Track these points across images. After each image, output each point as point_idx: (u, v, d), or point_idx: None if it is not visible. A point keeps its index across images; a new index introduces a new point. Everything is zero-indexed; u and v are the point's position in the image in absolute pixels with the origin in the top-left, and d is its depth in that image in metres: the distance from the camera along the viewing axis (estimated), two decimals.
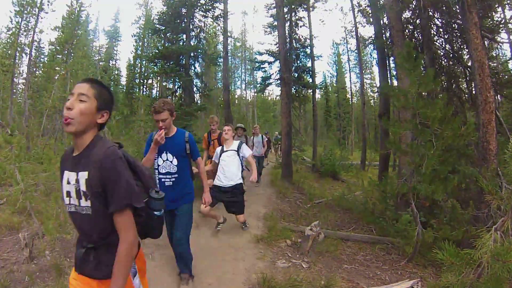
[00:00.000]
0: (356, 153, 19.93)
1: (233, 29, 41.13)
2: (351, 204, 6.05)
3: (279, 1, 9.19)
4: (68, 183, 1.14)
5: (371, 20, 9.75)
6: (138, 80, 25.29)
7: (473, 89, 4.80)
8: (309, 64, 13.23)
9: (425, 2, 5.51)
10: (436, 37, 6.35)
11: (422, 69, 4.28)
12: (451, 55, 6.09)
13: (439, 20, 6.21)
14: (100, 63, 23.27)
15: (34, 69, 18.93)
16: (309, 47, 13.04)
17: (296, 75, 12.51)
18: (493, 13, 5.65)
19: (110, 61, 26.55)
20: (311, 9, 13.16)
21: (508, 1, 5.66)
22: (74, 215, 1.15)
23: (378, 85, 19.15)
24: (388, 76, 9.71)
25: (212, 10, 10.48)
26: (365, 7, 11.61)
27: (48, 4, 15.23)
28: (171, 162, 2.50)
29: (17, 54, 16.40)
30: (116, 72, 26.61)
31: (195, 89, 10.12)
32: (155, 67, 10.88)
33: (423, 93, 3.76)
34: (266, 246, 3.74)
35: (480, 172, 3.65)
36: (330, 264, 3.46)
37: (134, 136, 7.36)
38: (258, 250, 3.62)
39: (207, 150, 5.03)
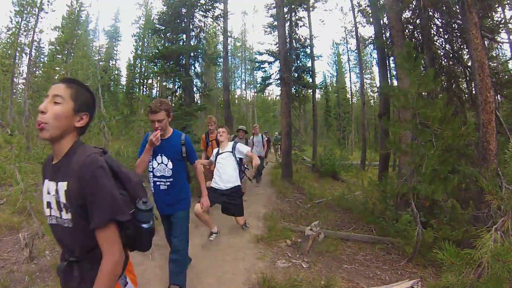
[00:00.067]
0: (356, 153, 19.93)
1: (233, 29, 41.21)
2: (351, 204, 6.05)
3: (279, 1, 9.19)
4: (48, 193, 1.04)
5: (371, 20, 9.75)
6: (138, 80, 25.30)
7: (473, 89, 4.80)
8: (309, 64, 13.24)
9: (425, 2, 5.51)
10: (436, 37, 6.36)
11: (422, 69, 4.28)
12: (451, 55, 6.10)
13: (439, 20, 6.21)
14: (100, 63, 23.21)
15: (34, 69, 18.92)
16: (309, 47, 13.05)
17: (296, 75, 12.52)
18: (493, 13, 5.65)
19: (110, 61, 26.53)
20: (311, 9, 13.17)
21: (508, 1, 5.66)
22: (55, 228, 1.05)
23: (378, 85, 19.18)
24: (388, 76, 9.72)
25: (212, 10, 10.50)
26: (365, 7, 11.62)
27: (48, 4, 15.24)
28: (166, 165, 2.38)
29: (17, 54, 16.40)
30: (116, 72, 26.60)
31: (195, 89, 10.13)
32: (155, 67, 10.89)
33: (423, 93, 3.76)
34: (266, 246, 3.74)
35: (480, 172, 3.65)
36: (330, 264, 3.46)
37: (134, 136, 7.37)
38: (258, 250, 3.62)
39: (205, 151, 4.94)
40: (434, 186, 3.40)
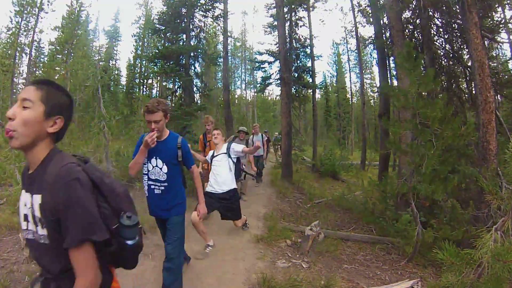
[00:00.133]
0: (356, 153, 19.94)
1: (233, 29, 41.17)
2: (351, 204, 6.05)
3: (279, 1, 9.20)
4: (25, 205, 0.95)
5: (371, 20, 9.75)
6: (138, 80, 25.30)
7: (473, 89, 4.80)
8: (309, 64, 13.25)
9: (425, 2, 5.52)
10: (436, 37, 6.36)
11: (422, 69, 4.28)
12: (451, 55, 6.10)
13: (439, 20, 6.21)
14: (100, 63, 23.23)
15: (34, 69, 18.93)
16: (309, 47, 13.05)
17: (296, 75, 12.52)
18: (493, 13, 5.65)
19: (110, 61, 26.52)
20: (311, 9, 13.17)
21: (508, 1, 5.66)
22: (31, 243, 0.95)
23: (378, 85, 19.18)
24: (388, 76, 9.71)
25: (212, 10, 10.50)
26: (365, 7, 11.62)
27: (48, 4, 15.28)
28: (161, 169, 2.25)
29: (17, 54, 16.42)
30: (116, 72, 26.59)
31: (195, 89, 10.14)
32: (155, 67, 10.90)
33: (423, 93, 3.77)
34: (266, 246, 3.74)
35: (480, 172, 3.66)
36: (330, 264, 3.46)
37: (134, 136, 7.37)
38: (258, 250, 3.62)
39: (203, 152, 4.84)
40: (434, 186, 3.41)
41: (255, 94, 30.47)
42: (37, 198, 0.90)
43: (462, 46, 5.89)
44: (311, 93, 13.39)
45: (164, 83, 14.55)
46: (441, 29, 6.27)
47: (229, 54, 18.71)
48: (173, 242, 2.26)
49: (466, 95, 5.83)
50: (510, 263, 1.81)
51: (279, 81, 10.75)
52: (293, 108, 11.90)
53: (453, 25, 5.89)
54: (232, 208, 3.55)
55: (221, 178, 3.46)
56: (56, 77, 13.16)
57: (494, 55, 6.74)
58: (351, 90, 26.63)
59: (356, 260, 3.69)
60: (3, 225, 3.66)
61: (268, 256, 3.46)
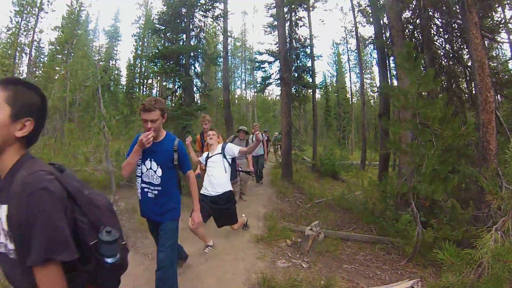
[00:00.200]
0: (356, 153, 19.94)
1: (233, 29, 41.18)
2: (351, 204, 6.05)
3: (279, 1, 9.20)
4: None
5: (371, 20, 9.75)
6: (138, 80, 25.33)
7: (473, 89, 4.80)
8: (309, 64, 13.25)
9: (425, 2, 5.52)
10: (436, 37, 6.36)
11: (422, 69, 4.28)
12: (451, 55, 6.10)
13: (439, 20, 6.21)
14: (100, 63, 23.25)
15: (34, 69, 18.93)
16: (309, 47, 13.05)
17: (296, 75, 12.52)
18: (493, 13, 5.65)
19: (110, 61, 26.54)
20: (311, 9, 13.18)
21: (508, 1, 5.66)
22: (2, 257, 0.85)
23: (378, 85, 19.19)
24: (388, 76, 9.72)
25: (212, 10, 10.50)
26: (365, 7, 11.63)
27: (48, 4, 15.27)
28: (155, 172, 2.13)
29: (17, 54, 16.41)
30: (116, 72, 26.62)
31: (195, 89, 10.13)
32: (155, 67, 10.89)
33: (423, 93, 3.77)
34: (266, 246, 3.74)
35: (480, 172, 3.66)
36: (330, 264, 3.46)
37: (134, 136, 7.35)
38: (258, 250, 3.62)
39: (201, 152, 4.73)
40: (434, 186, 3.41)
41: (255, 94, 30.46)
42: (4, 209, 0.81)
43: (462, 46, 5.89)
44: (311, 93, 13.39)
45: (164, 83, 14.56)
46: (441, 29, 6.28)
47: (229, 54, 18.71)
48: (165, 249, 2.13)
49: (466, 95, 5.83)
50: (510, 263, 1.80)
51: (279, 81, 10.75)
52: (293, 108, 11.90)
53: (453, 25, 5.89)
54: (229, 214, 3.40)
55: (216, 179, 3.32)
56: (56, 77, 13.14)
57: (494, 55, 6.74)
58: (351, 90, 26.67)
59: (356, 260, 3.69)
60: None
61: (268, 256, 3.46)
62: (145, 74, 23.98)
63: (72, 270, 0.85)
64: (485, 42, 4.97)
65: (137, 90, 25.08)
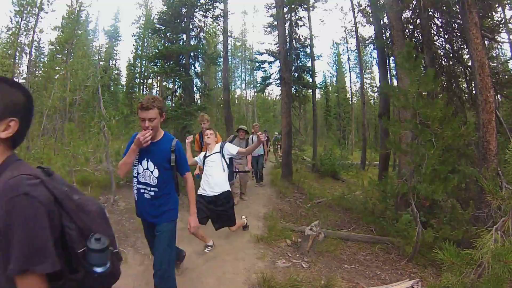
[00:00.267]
0: (356, 153, 19.93)
1: (233, 29, 41.12)
2: (351, 204, 6.05)
3: (279, 1, 9.20)
4: None
5: (371, 20, 9.75)
6: (138, 80, 25.33)
7: (473, 89, 4.80)
8: (309, 64, 13.23)
9: (425, 2, 5.52)
10: (436, 37, 6.36)
11: (422, 69, 4.29)
12: (451, 55, 6.10)
13: (439, 20, 6.21)
14: (100, 63, 23.26)
15: (34, 69, 18.94)
16: (309, 47, 13.04)
17: (296, 75, 12.51)
18: (493, 13, 5.65)
19: (110, 61, 26.55)
20: (311, 9, 13.17)
21: (508, 1, 5.66)
22: None
23: (378, 85, 19.19)
24: (388, 76, 9.71)
25: (212, 10, 10.51)
26: (365, 7, 11.63)
27: (48, 4, 15.26)
28: (152, 172, 2.06)
29: (17, 54, 16.40)
30: (116, 72, 26.63)
31: (195, 89, 10.14)
32: (155, 67, 10.89)
33: (423, 93, 3.77)
34: (266, 246, 3.74)
35: (480, 172, 3.66)
36: (330, 264, 3.46)
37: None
38: (258, 250, 3.62)
39: (200, 152, 4.80)
40: (434, 186, 3.41)
41: (255, 94, 30.47)
42: None
43: (462, 46, 5.89)
44: (311, 93, 13.39)
45: (164, 83, 14.57)
46: (441, 29, 6.28)
47: (229, 54, 18.73)
48: (162, 252, 2.06)
49: (466, 95, 5.83)
50: (510, 263, 1.80)
51: (279, 81, 10.74)
52: (293, 108, 11.89)
53: (453, 25, 5.89)
54: (226, 215, 3.33)
55: (214, 179, 3.25)
56: (56, 77, 13.15)
57: (494, 55, 6.75)
58: (351, 90, 26.67)
59: (356, 260, 3.69)
60: None
61: (268, 256, 3.46)
62: (145, 74, 24.01)
63: (60, 279, 0.81)
64: (485, 42, 4.97)
65: (137, 90, 25.08)
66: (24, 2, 14.97)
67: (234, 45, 30.79)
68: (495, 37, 5.58)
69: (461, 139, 3.51)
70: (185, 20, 9.61)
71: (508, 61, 6.85)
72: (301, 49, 12.98)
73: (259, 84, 15.16)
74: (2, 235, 0.73)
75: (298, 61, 12.98)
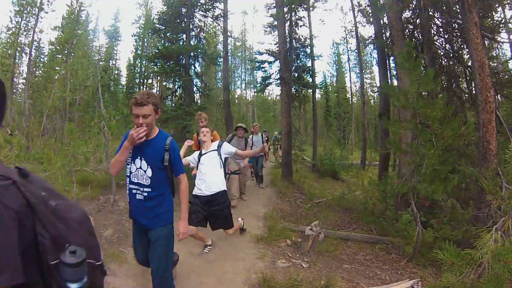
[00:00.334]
0: (356, 152, 19.93)
1: (233, 29, 41.06)
2: (351, 204, 6.05)
3: (279, 1, 9.19)
4: None
5: (371, 20, 9.75)
6: (138, 80, 25.31)
7: (473, 89, 4.80)
8: (309, 64, 13.24)
9: (425, 2, 5.52)
10: (436, 37, 6.36)
11: (422, 69, 4.29)
12: (451, 55, 6.10)
13: (439, 20, 6.21)
14: (100, 63, 23.25)
15: (34, 69, 18.95)
16: (309, 47, 13.05)
17: (296, 75, 12.51)
18: (493, 13, 5.65)
19: (110, 61, 26.55)
20: (311, 9, 13.17)
21: (508, 1, 5.66)
22: None
23: (378, 85, 19.19)
24: (388, 76, 9.71)
25: (212, 10, 10.51)
26: (365, 7, 11.62)
27: (48, 4, 15.27)
28: (145, 172, 1.94)
29: (17, 54, 16.41)
30: (116, 72, 26.62)
31: (195, 88, 10.13)
32: (155, 67, 10.90)
33: (423, 93, 3.77)
34: (266, 246, 3.74)
35: (480, 172, 3.66)
36: (330, 264, 3.46)
37: None
38: (258, 250, 3.62)
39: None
40: (434, 186, 3.41)
41: (255, 94, 30.47)
42: None
43: (462, 46, 5.89)
44: (311, 93, 13.39)
45: (164, 83, 14.56)
46: (441, 29, 6.28)
47: (229, 54, 18.72)
48: (158, 259, 1.96)
49: (466, 95, 5.83)
50: (510, 263, 1.81)
51: (279, 81, 10.75)
52: (293, 108, 11.90)
53: (453, 25, 5.89)
54: (223, 215, 3.19)
55: (210, 178, 3.12)
56: (56, 77, 13.15)
57: (494, 55, 6.75)
58: (351, 90, 26.68)
59: (356, 260, 3.69)
60: None
61: (268, 256, 3.46)
62: (145, 74, 23.99)
63: None
64: (485, 42, 4.97)
65: (137, 90, 25.04)
66: (24, 2, 14.97)
67: (234, 45, 30.79)
68: (495, 37, 5.58)
69: (461, 139, 3.51)
70: (185, 20, 9.61)
71: (508, 61, 6.85)
72: (301, 49, 12.99)
73: (259, 84, 15.17)
74: None
75: (298, 61, 12.98)
